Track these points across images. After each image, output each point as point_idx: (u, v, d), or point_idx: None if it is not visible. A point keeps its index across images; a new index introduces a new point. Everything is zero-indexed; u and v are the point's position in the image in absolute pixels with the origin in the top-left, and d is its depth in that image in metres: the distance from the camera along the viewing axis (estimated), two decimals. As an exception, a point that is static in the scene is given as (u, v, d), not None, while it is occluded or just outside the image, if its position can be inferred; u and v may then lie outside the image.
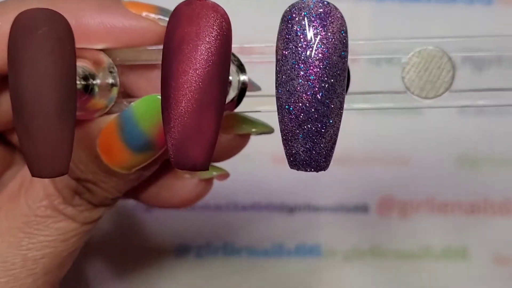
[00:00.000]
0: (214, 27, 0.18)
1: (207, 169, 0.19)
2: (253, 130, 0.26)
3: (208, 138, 0.19)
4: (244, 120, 0.25)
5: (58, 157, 0.18)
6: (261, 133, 0.26)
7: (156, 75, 0.22)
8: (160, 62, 0.22)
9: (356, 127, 0.38)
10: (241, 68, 0.22)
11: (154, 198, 0.27)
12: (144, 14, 0.22)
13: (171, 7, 0.23)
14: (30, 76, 0.18)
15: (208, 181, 0.27)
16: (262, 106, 0.22)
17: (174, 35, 0.18)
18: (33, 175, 0.19)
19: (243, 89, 0.22)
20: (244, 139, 0.26)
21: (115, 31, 0.22)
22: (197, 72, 0.18)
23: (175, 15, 0.19)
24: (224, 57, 0.18)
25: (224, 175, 0.27)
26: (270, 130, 0.26)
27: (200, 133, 0.18)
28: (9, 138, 0.26)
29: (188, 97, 0.18)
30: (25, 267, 0.23)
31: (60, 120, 0.18)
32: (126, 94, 0.23)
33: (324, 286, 0.39)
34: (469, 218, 0.39)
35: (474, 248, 0.39)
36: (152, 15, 0.22)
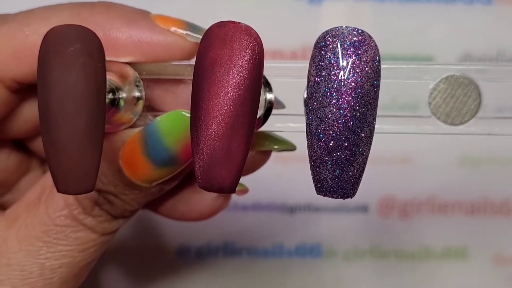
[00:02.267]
0: (247, 51, 0.18)
1: (234, 192, 0.19)
2: (276, 147, 0.26)
3: (237, 161, 0.18)
4: (267, 137, 0.25)
5: (85, 173, 0.18)
6: (283, 150, 0.26)
7: (182, 90, 0.23)
8: (186, 77, 0.22)
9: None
10: (268, 87, 0.22)
11: (172, 211, 0.27)
12: (172, 29, 0.22)
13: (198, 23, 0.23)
14: (61, 92, 0.18)
15: (227, 196, 0.27)
16: (286, 124, 0.22)
17: (206, 57, 0.18)
18: (59, 191, 0.18)
19: (269, 108, 0.22)
20: (265, 155, 0.26)
21: (143, 45, 0.22)
22: (229, 95, 0.18)
23: (208, 36, 0.18)
24: (256, 81, 0.18)
25: (244, 190, 0.27)
26: (292, 148, 0.26)
27: (229, 156, 0.18)
28: (28, 145, 0.26)
29: (219, 120, 0.18)
30: (42, 276, 0.23)
31: (89, 137, 0.18)
32: (151, 107, 0.23)
33: (324, 286, 0.39)
34: (469, 218, 0.39)
35: (474, 248, 0.39)
36: (180, 31, 0.22)
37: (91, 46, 0.18)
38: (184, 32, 0.22)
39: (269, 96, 0.22)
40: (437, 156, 0.39)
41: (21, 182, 0.26)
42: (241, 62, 0.18)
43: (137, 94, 0.22)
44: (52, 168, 0.18)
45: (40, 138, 0.25)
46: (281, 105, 0.23)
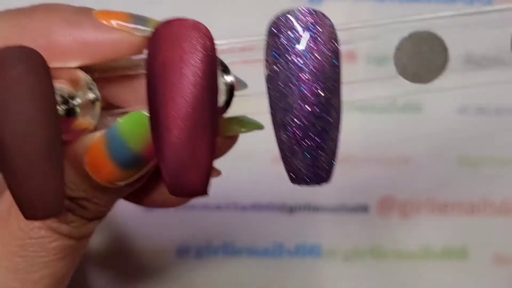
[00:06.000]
0: (198, 48, 0.17)
1: (207, 194, 0.18)
2: (243, 129, 0.25)
3: (204, 163, 0.18)
4: (232, 121, 0.24)
5: (50, 197, 0.18)
6: (251, 131, 0.25)
7: (138, 84, 0.22)
8: (141, 72, 0.21)
9: (356, 126, 0.38)
10: (225, 70, 0.20)
11: (154, 200, 0.26)
12: (115, 23, 0.21)
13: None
14: (10, 119, 0.17)
15: None
16: (250, 104, 0.21)
17: (156, 60, 0.17)
18: (27, 218, 0.18)
19: (231, 90, 0.21)
20: (232, 139, 0.25)
21: (89, 46, 0.20)
22: (185, 98, 0.17)
23: (155, 38, 0.18)
24: (211, 78, 0.18)
25: (215, 174, 0.27)
26: (260, 127, 0.25)
27: (195, 160, 0.18)
28: None
29: (180, 125, 0.17)
30: None
31: (47, 161, 0.17)
32: (109, 107, 0.22)
33: (324, 286, 0.39)
34: (469, 218, 0.39)
35: (474, 248, 0.39)
36: (127, 25, 0.21)
37: (34, 65, 0.17)
38: (130, 25, 0.21)
39: (228, 78, 0.20)
40: (436, 156, 0.39)
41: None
42: (194, 61, 0.17)
43: (91, 96, 0.21)
44: (15, 196, 0.18)
45: None
46: (243, 85, 0.22)
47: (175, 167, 0.18)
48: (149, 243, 0.38)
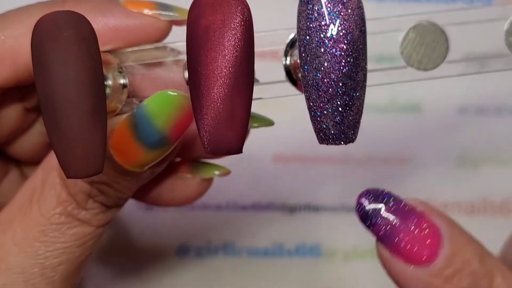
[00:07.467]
0: (238, 13, 0.19)
1: (241, 152, 0.20)
2: (255, 125, 0.26)
3: (241, 121, 0.19)
4: None
5: (94, 156, 0.19)
6: (262, 127, 0.26)
7: (156, 74, 0.23)
8: (167, 59, 0.23)
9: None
10: None
11: (156, 198, 0.27)
12: (145, 11, 0.23)
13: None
14: (61, 80, 0.18)
15: (209, 180, 0.27)
16: (261, 94, 0.23)
17: (198, 24, 0.19)
18: (68, 177, 0.19)
19: None
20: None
21: (119, 31, 0.22)
22: (226, 58, 0.19)
23: (197, 5, 0.19)
24: (249, 41, 0.19)
25: (226, 173, 0.28)
26: (270, 123, 0.26)
27: (233, 117, 0.19)
28: (4, 149, 0.26)
29: (220, 83, 0.19)
30: (44, 276, 0.23)
31: (94, 119, 0.18)
32: (134, 93, 0.23)
33: (324, 286, 0.39)
34: (469, 218, 0.39)
35: (474, 248, 0.39)
36: (152, 11, 0.23)
37: (84, 30, 0.19)
38: (156, 12, 0.23)
39: None
40: (436, 156, 0.39)
41: (1, 185, 0.26)
42: (234, 25, 0.19)
43: (122, 80, 0.22)
44: (60, 155, 0.19)
45: (17, 143, 0.25)
46: (255, 81, 0.23)
47: (213, 124, 0.19)
48: (149, 243, 0.38)
